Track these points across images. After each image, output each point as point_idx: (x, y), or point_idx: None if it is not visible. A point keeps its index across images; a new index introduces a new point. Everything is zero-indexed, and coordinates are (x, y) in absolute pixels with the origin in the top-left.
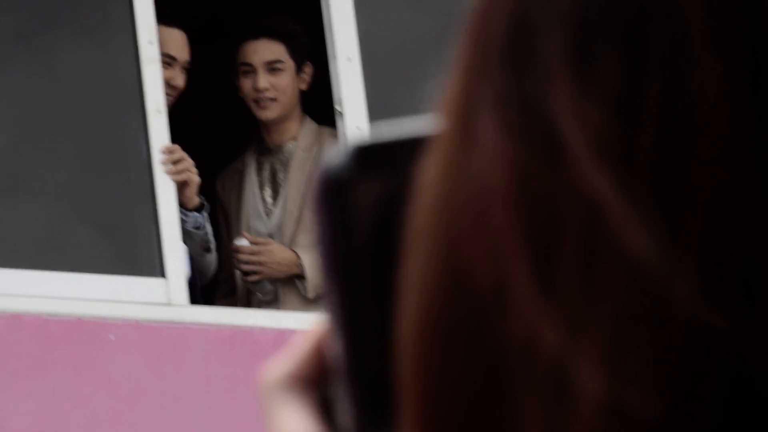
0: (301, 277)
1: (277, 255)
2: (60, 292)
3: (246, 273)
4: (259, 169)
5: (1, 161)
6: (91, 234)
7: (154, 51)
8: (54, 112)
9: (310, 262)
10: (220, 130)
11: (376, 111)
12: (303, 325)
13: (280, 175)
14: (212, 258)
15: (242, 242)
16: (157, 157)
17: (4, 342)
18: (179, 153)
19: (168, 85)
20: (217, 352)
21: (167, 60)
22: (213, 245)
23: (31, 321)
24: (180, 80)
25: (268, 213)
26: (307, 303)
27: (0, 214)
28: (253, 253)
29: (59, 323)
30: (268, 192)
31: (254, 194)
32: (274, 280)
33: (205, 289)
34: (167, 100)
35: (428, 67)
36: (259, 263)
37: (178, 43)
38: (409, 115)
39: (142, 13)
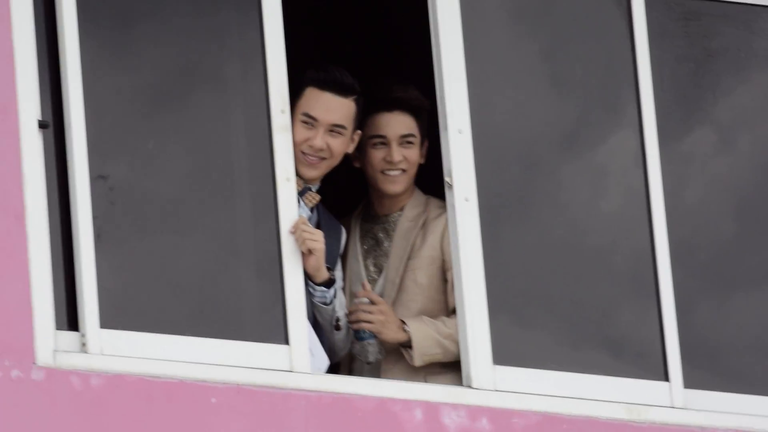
0: (405, 345)
1: (391, 316)
2: (192, 357)
3: (355, 323)
4: (363, 236)
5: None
6: (218, 298)
7: (286, 120)
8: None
9: (417, 330)
10: (330, 193)
11: (485, 183)
12: (403, 394)
13: (385, 244)
14: (341, 336)
15: (363, 300)
16: (285, 226)
17: (107, 402)
18: (305, 224)
19: (307, 144)
20: (317, 418)
21: (307, 120)
22: (343, 323)
23: (134, 382)
24: (319, 141)
25: (371, 281)
26: (409, 372)
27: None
28: (371, 311)
29: (162, 385)
30: (371, 260)
31: (357, 261)
32: (381, 344)
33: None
34: (310, 160)
35: (537, 142)
36: (374, 320)
37: (323, 104)
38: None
39: (276, 81)
